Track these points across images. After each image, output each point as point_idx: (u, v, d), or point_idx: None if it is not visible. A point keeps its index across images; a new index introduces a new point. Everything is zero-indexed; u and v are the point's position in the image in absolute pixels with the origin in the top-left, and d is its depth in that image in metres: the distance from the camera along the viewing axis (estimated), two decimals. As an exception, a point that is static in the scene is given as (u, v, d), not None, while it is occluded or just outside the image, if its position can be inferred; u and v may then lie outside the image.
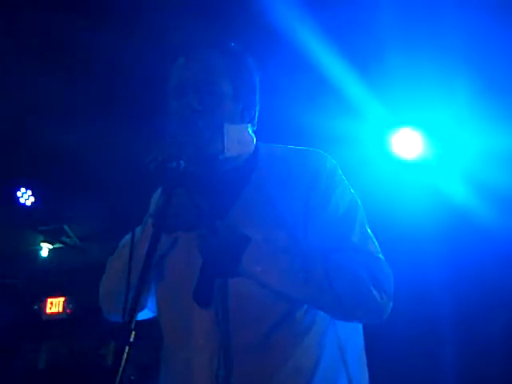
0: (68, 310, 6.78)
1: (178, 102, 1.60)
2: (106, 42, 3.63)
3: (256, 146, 1.69)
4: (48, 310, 6.82)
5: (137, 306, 1.31)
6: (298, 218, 1.54)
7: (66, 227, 6.36)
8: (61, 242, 6.50)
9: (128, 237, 1.69)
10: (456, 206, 4.43)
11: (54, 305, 6.81)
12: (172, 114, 1.61)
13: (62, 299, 6.80)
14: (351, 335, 1.60)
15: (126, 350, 1.23)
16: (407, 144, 4.47)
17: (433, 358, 4.63)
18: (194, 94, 1.58)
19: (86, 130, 4.55)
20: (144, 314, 1.70)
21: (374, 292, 1.49)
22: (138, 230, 1.63)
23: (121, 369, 1.21)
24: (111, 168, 4.89)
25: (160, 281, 1.63)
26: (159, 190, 1.63)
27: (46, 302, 6.85)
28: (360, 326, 1.64)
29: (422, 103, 4.08)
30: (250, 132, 1.69)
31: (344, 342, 1.57)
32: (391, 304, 1.53)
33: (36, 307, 6.88)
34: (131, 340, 1.25)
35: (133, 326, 1.26)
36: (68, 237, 6.43)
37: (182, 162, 1.45)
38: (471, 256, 4.47)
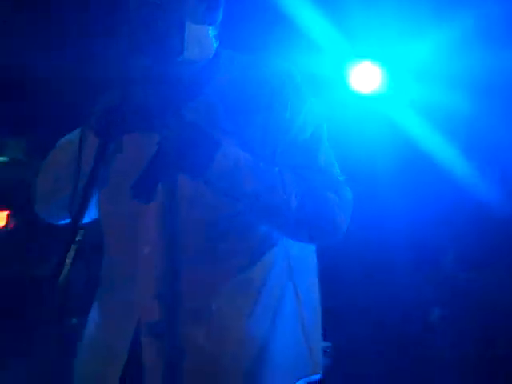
0: (11, 224, 6.69)
1: None
2: None
3: (217, 51, 1.62)
4: (-10, 223, 6.72)
5: (85, 206, 1.27)
6: (257, 132, 1.49)
7: (10, 140, 6.20)
8: (4, 156, 6.35)
9: (66, 138, 1.64)
10: (413, 139, 4.48)
11: (-3, 218, 6.71)
12: (131, 10, 1.51)
13: (5, 213, 6.69)
14: (302, 256, 1.59)
15: (74, 248, 1.20)
16: (366, 78, 4.46)
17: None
18: None
19: (34, 41, 4.37)
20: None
21: (338, 216, 1.49)
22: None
23: (67, 267, 1.19)
24: (59, 85, 4.71)
25: (104, 183, 1.55)
26: (105, 96, 1.56)
27: (-13, 215, 6.74)
28: (313, 249, 1.63)
29: (382, 35, 4.05)
30: (212, 36, 1.61)
31: (294, 261, 1.56)
32: (345, 230, 1.53)
33: (-23, 220, 6.76)
34: (79, 238, 1.22)
35: (80, 223, 1.23)
36: (12, 150, 6.28)
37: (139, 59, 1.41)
38: (423, 189, 4.55)
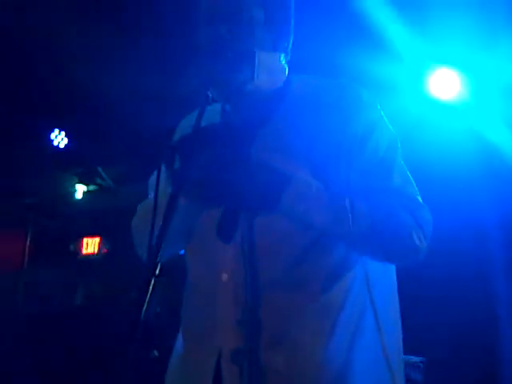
0: (103, 250, 6.89)
1: (206, 30, 1.54)
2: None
3: (288, 76, 1.62)
4: (84, 251, 6.95)
5: (161, 243, 1.29)
6: (330, 156, 1.48)
7: (99, 169, 6.40)
8: (95, 184, 6.56)
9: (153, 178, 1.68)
10: (497, 149, 4.30)
11: (90, 245, 6.93)
12: (201, 44, 1.55)
13: (97, 240, 6.91)
14: (381, 274, 1.56)
15: (152, 282, 1.23)
16: (444, 84, 4.35)
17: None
18: (222, 21, 1.51)
19: (119, 72, 4.52)
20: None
21: (415, 237, 1.45)
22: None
23: (147, 300, 1.21)
24: (145, 110, 4.86)
25: None
26: (187, 119, 1.65)
27: (81, 242, 6.97)
28: (392, 267, 1.60)
29: (460, 41, 3.94)
30: (283, 62, 1.61)
31: (373, 280, 1.53)
32: (427, 248, 1.49)
33: (72, 247, 7.00)
34: (157, 273, 1.24)
35: (158, 259, 1.25)
36: (102, 179, 6.48)
37: (209, 94, 1.44)
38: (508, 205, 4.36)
